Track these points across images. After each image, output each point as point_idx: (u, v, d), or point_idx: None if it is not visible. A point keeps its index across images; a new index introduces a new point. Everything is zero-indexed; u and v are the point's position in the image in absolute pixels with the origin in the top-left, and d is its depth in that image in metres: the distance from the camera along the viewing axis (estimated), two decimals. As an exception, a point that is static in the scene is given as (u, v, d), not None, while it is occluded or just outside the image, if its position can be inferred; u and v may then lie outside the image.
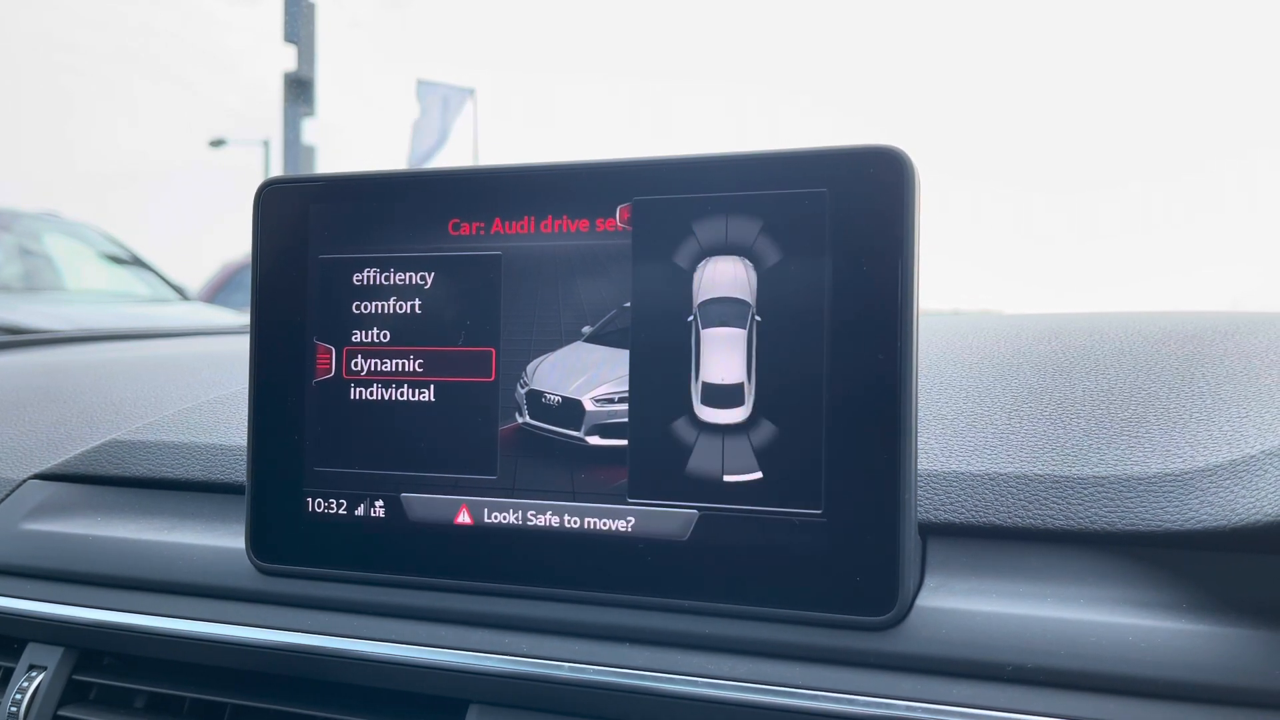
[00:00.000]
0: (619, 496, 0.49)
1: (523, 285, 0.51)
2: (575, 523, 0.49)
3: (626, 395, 0.49)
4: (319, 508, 0.54)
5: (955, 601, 0.45)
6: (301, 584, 0.55)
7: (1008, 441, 0.52)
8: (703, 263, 0.48)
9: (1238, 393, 0.51)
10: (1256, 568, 0.43)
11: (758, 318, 0.47)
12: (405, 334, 0.53)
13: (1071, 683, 0.42)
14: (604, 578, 0.49)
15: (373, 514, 0.53)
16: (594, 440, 0.49)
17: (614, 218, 0.49)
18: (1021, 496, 0.48)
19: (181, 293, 2.70)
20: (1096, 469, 0.48)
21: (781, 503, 0.46)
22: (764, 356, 0.47)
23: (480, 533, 0.51)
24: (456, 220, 0.52)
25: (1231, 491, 0.44)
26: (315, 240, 0.55)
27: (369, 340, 0.54)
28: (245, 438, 0.57)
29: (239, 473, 0.64)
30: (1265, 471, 0.44)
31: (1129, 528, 0.46)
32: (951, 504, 0.49)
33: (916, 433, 0.45)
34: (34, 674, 0.61)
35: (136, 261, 2.69)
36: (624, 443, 0.49)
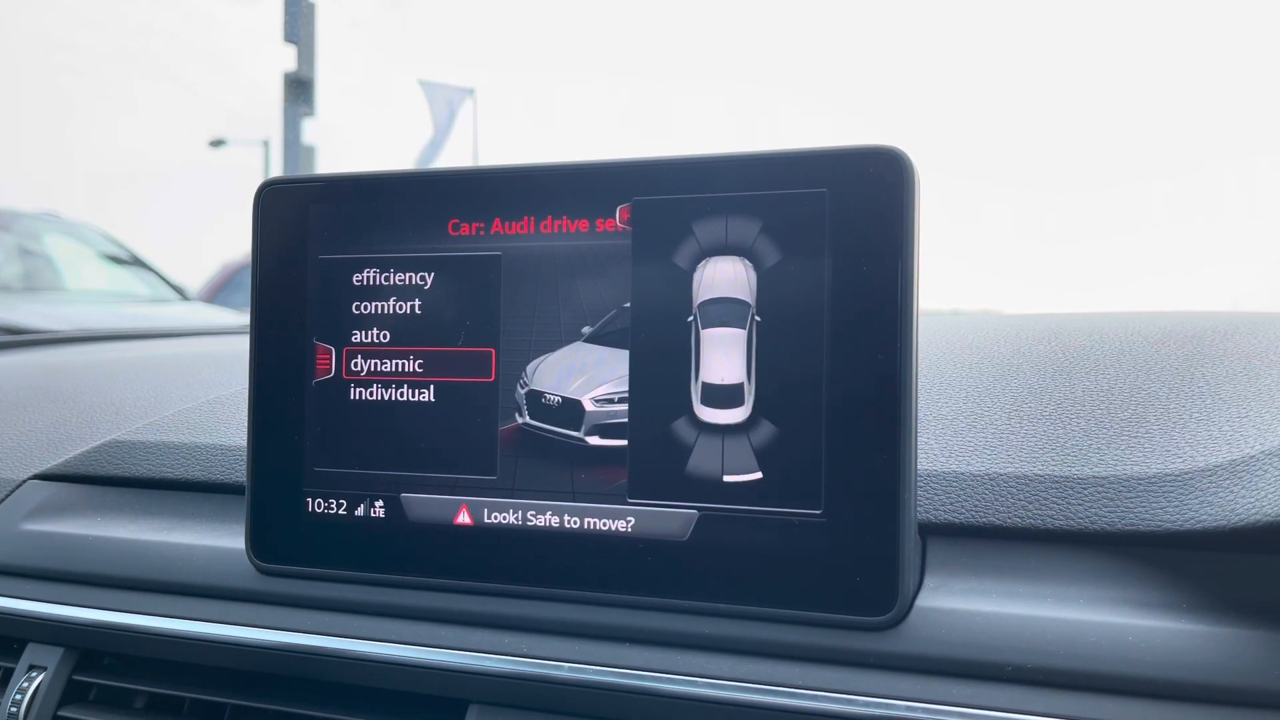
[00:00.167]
0: (619, 497, 0.49)
1: (522, 285, 0.51)
2: (575, 523, 0.49)
3: (626, 395, 0.49)
4: (319, 508, 0.54)
5: (955, 601, 0.45)
6: (301, 584, 0.55)
7: (1008, 441, 0.52)
8: (702, 263, 0.48)
9: (1238, 393, 0.51)
10: (1256, 568, 0.43)
11: (757, 318, 0.47)
12: (405, 334, 0.53)
13: (1071, 683, 0.42)
14: (604, 578, 0.49)
15: (373, 514, 0.53)
16: (594, 440, 0.49)
17: (614, 218, 0.49)
18: (1021, 496, 0.48)
19: (181, 293, 2.70)
20: (1096, 469, 0.48)
21: (781, 503, 0.46)
22: (764, 357, 0.47)
23: (480, 533, 0.51)
24: (456, 220, 0.52)
25: (1231, 491, 0.44)
26: (315, 240, 0.55)
27: (369, 340, 0.54)
28: (245, 438, 0.57)
29: (239, 473, 0.64)
30: (1265, 471, 0.44)
31: (1129, 528, 0.46)
32: (951, 504, 0.49)
33: (916, 433, 0.45)
34: (34, 674, 0.61)
35: (136, 261, 2.69)
36: (624, 443, 0.49)
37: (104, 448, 0.70)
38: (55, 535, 0.65)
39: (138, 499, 0.67)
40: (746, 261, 0.47)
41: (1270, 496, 0.42)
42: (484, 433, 0.51)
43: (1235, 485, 0.44)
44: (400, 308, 0.53)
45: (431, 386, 0.52)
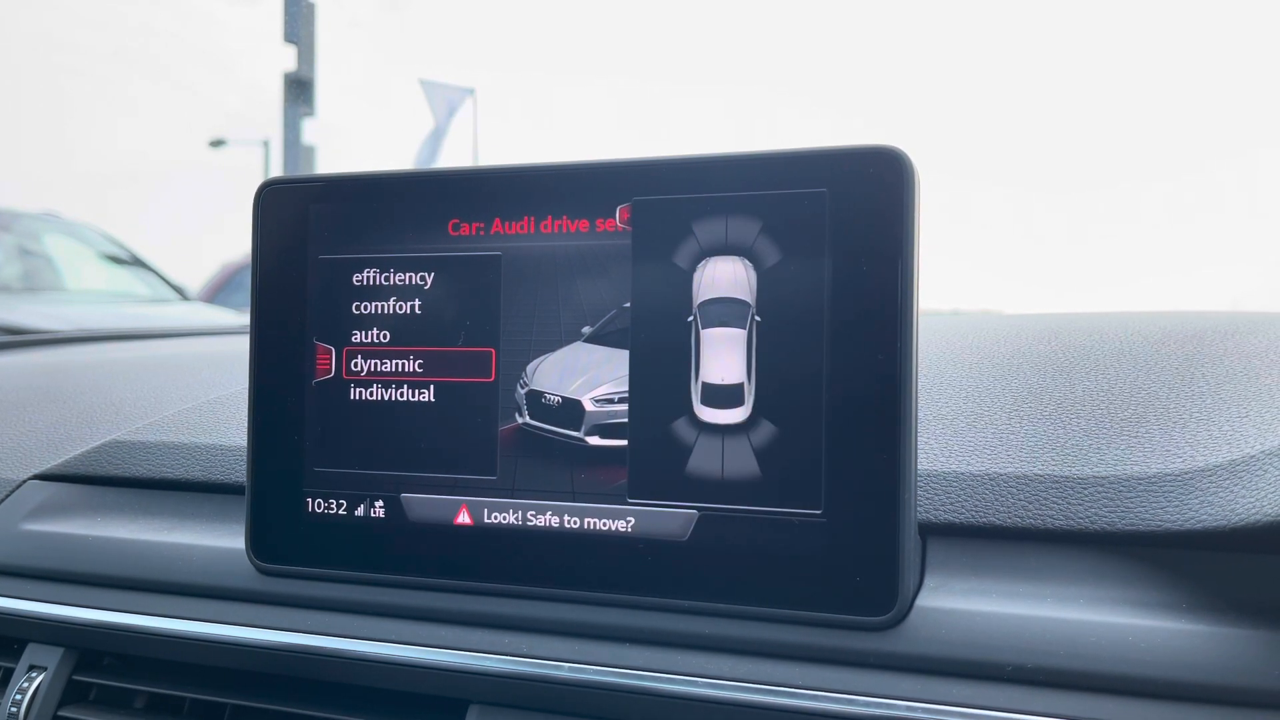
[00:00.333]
0: (619, 497, 0.49)
1: (522, 285, 0.51)
2: (575, 523, 0.49)
3: (626, 395, 0.49)
4: (319, 508, 0.54)
5: (955, 601, 0.45)
6: (301, 584, 0.55)
7: (1008, 441, 0.52)
8: (702, 263, 0.48)
9: (1238, 393, 0.51)
10: (1256, 568, 0.43)
11: (757, 318, 0.47)
12: (405, 334, 0.53)
13: (1071, 683, 0.42)
14: (604, 578, 0.49)
15: (373, 514, 0.53)
16: (594, 440, 0.49)
17: (614, 218, 0.49)
18: (1021, 496, 0.48)
19: (181, 293, 2.71)
20: (1096, 469, 0.48)
21: (781, 503, 0.46)
22: (764, 357, 0.47)
23: (480, 533, 0.51)
24: (456, 220, 0.52)
25: (1231, 491, 0.44)
26: (315, 240, 0.55)
27: (369, 340, 0.54)
28: (245, 438, 0.57)
29: (239, 473, 0.64)
30: (1265, 471, 0.44)
31: (1129, 528, 0.46)
32: (951, 504, 0.49)
33: (916, 433, 0.45)
34: (34, 674, 0.61)
35: (136, 261, 2.69)
36: (624, 443, 0.49)
37: (104, 448, 0.70)
38: (55, 535, 0.65)
39: (138, 499, 0.67)
40: (746, 261, 0.47)
41: (1270, 496, 0.42)
42: (484, 433, 0.51)
43: (1235, 485, 0.44)
44: (400, 308, 0.53)
45: (431, 386, 0.52)
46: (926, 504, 0.49)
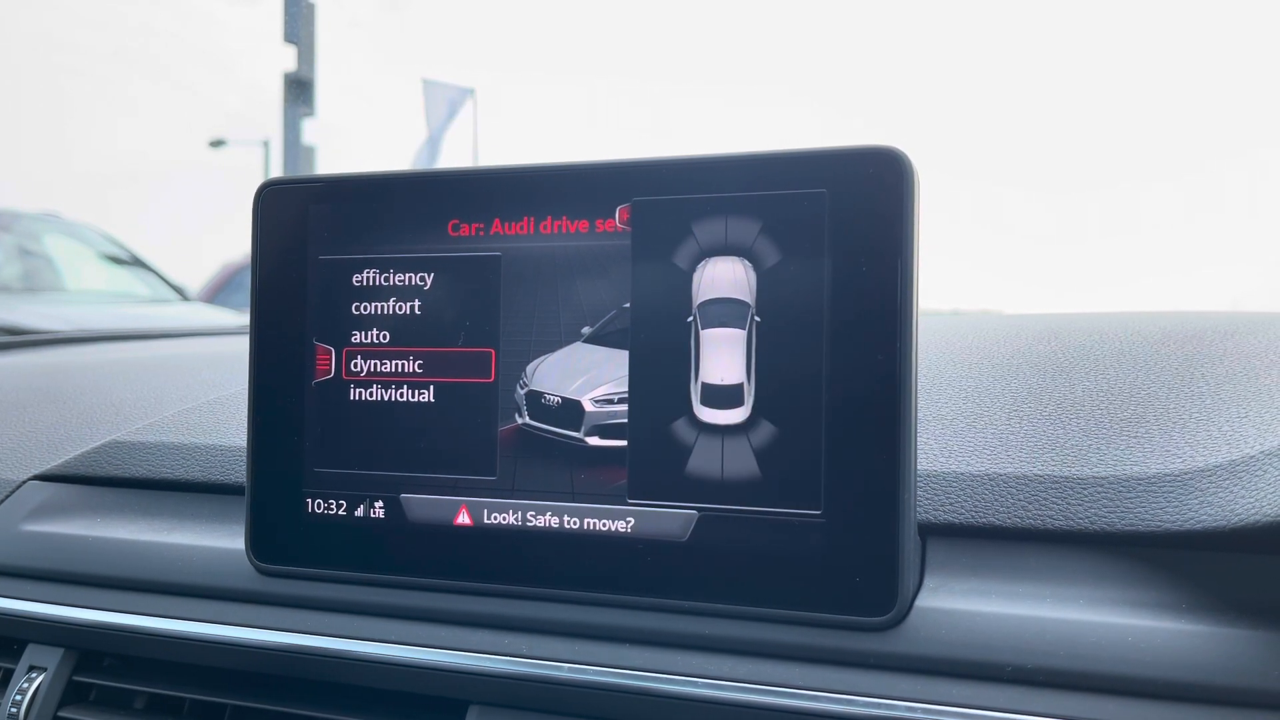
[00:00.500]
0: (619, 497, 0.49)
1: (522, 286, 0.51)
2: (575, 523, 0.49)
3: (626, 396, 0.49)
4: (319, 508, 0.54)
5: (955, 602, 0.45)
6: (301, 585, 0.55)
7: (1008, 441, 0.52)
8: (702, 263, 0.48)
9: (1238, 393, 0.51)
10: (1256, 568, 0.43)
11: (757, 318, 0.47)
12: (405, 335, 0.53)
13: (1071, 683, 0.42)
14: (604, 578, 0.49)
15: (372, 515, 0.53)
16: (594, 441, 0.49)
17: (613, 218, 0.49)
18: (1021, 496, 0.48)
19: (181, 293, 2.71)
20: (1096, 469, 0.48)
21: (781, 503, 0.46)
22: (763, 357, 0.47)
23: (480, 533, 0.51)
24: (456, 221, 0.52)
25: (1231, 491, 0.44)
26: (315, 241, 0.55)
27: (369, 341, 0.54)
28: (245, 438, 0.57)
29: (239, 473, 0.64)
30: (1265, 472, 0.44)
31: (1129, 528, 0.46)
32: (951, 504, 0.49)
33: (916, 433, 0.45)
34: (34, 675, 0.61)
35: (136, 262, 2.69)
36: (624, 443, 0.49)
37: (104, 448, 0.70)
38: (55, 536, 0.65)
39: (137, 500, 0.67)
40: (746, 262, 0.47)
41: (1270, 496, 0.42)
42: (484, 433, 0.51)
43: (1235, 485, 0.44)
44: (400, 308, 0.53)
45: (431, 387, 0.52)
46: (926, 504, 0.49)
